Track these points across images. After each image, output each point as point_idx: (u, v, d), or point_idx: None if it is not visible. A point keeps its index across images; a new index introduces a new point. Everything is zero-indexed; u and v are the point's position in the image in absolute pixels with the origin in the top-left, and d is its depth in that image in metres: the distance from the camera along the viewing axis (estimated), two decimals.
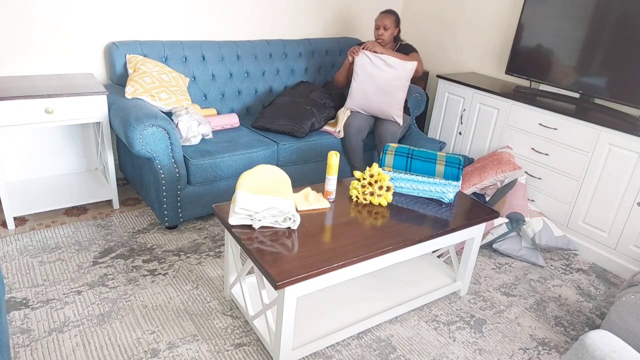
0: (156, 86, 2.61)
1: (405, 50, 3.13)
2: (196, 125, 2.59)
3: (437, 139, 3.42)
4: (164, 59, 2.84)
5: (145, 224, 2.63)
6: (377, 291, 2.16)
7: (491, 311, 2.22)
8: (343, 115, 3.06)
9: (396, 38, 3.12)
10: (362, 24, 3.90)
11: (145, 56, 2.78)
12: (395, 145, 2.22)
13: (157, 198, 2.48)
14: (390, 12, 3.06)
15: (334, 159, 1.97)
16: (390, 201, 2.09)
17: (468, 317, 2.16)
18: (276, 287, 1.50)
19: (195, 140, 2.59)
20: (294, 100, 3.06)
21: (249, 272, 2.27)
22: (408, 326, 2.06)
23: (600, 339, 1.27)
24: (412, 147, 2.21)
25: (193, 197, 2.55)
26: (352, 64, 3.09)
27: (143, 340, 1.84)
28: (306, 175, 2.99)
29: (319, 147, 2.94)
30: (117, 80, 2.77)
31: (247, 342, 1.89)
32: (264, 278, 1.82)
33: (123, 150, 2.87)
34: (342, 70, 3.17)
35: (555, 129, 2.76)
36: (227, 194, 2.67)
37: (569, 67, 2.86)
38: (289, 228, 1.80)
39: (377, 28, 3.05)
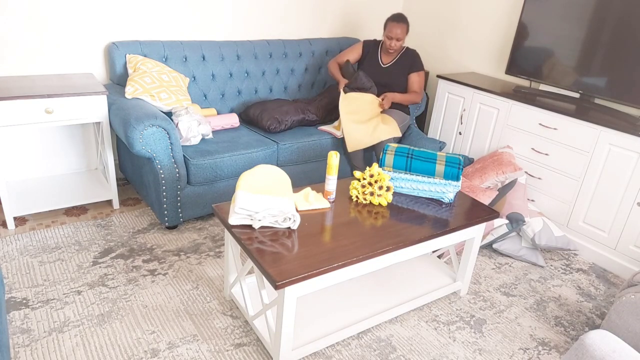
0: (156, 86, 2.61)
1: (411, 60, 3.07)
2: (196, 125, 2.59)
3: (437, 139, 3.42)
4: (164, 59, 2.84)
5: (145, 224, 2.63)
6: (377, 291, 2.16)
7: (491, 311, 2.22)
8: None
9: None
10: (362, 24, 3.90)
11: (145, 56, 2.78)
12: (395, 145, 2.22)
13: (157, 198, 2.48)
14: (403, 21, 2.94)
15: (334, 159, 1.97)
16: (390, 201, 2.09)
17: (468, 317, 2.16)
18: (276, 287, 1.50)
19: (195, 140, 2.59)
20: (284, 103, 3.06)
21: (249, 272, 2.27)
22: (408, 326, 2.06)
23: (600, 339, 1.27)
24: (412, 147, 2.21)
25: (193, 197, 2.55)
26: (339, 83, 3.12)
27: (143, 340, 1.84)
28: (306, 175, 2.99)
29: (319, 147, 2.94)
30: (117, 80, 2.77)
31: (247, 342, 1.89)
32: (264, 278, 1.82)
33: (123, 150, 2.87)
34: (336, 75, 3.18)
35: (555, 129, 2.76)
36: (227, 194, 2.67)
37: (569, 67, 2.86)
38: (289, 228, 1.80)
39: (389, 38, 2.96)
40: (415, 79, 3.09)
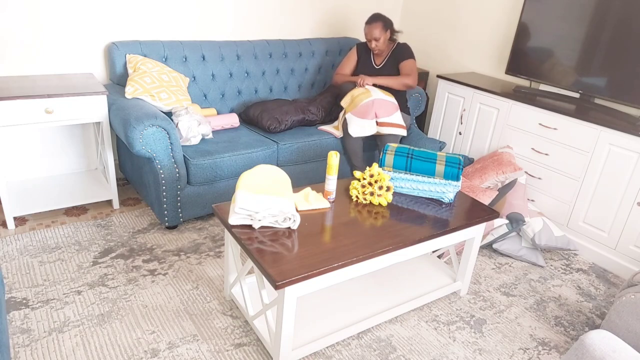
0: (156, 86, 2.61)
1: (400, 53, 3.08)
2: (196, 125, 2.59)
3: (437, 139, 3.42)
4: (164, 59, 2.84)
5: (145, 224, 2.63)
6: (377, 291, 2.16)
7: (491, 311, 2.22)
8: (342, 116, 3.06)
9: (391, 38, 3.08)
10: (362, 23, 3.90)
11: (145, 56, 2.78)
12: (395, 145, 2.22)
13: (157, 198, 2.48)
14: (375, 20, 2.97)
15: (334, 159, 1.97)
16: (390, 201, 2.09)
17: (468, 317, 2.16)
18: (276, 287, 1.50)
19: (195, 140, 2.59)
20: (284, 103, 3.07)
21: (249, 272, 2.27)
22: (408, 326, 2.06)
23: (600, 339, 1.27)
24: (412, 147, 2.21)
25: (193, 197, 2.55)
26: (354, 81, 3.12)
27: (143, 340, 1.84)
28: (306, 175, 2.99)
29: (319, 147, 2.94)
30: (117, 80, 2.77)
31: (247, 342, 1.89)
32: (264, 278, 1.82)
33: (123, 150, 2.87)
34: (344, 79, 3.17)
35: (555, 129, 2.76)
36: (227, 194, 2.67)
37: (569, 67, 2.86)
38: (289, 228, 1.80)
39: (369, 41, 3.02)
40: (404, 64, 3.07)
